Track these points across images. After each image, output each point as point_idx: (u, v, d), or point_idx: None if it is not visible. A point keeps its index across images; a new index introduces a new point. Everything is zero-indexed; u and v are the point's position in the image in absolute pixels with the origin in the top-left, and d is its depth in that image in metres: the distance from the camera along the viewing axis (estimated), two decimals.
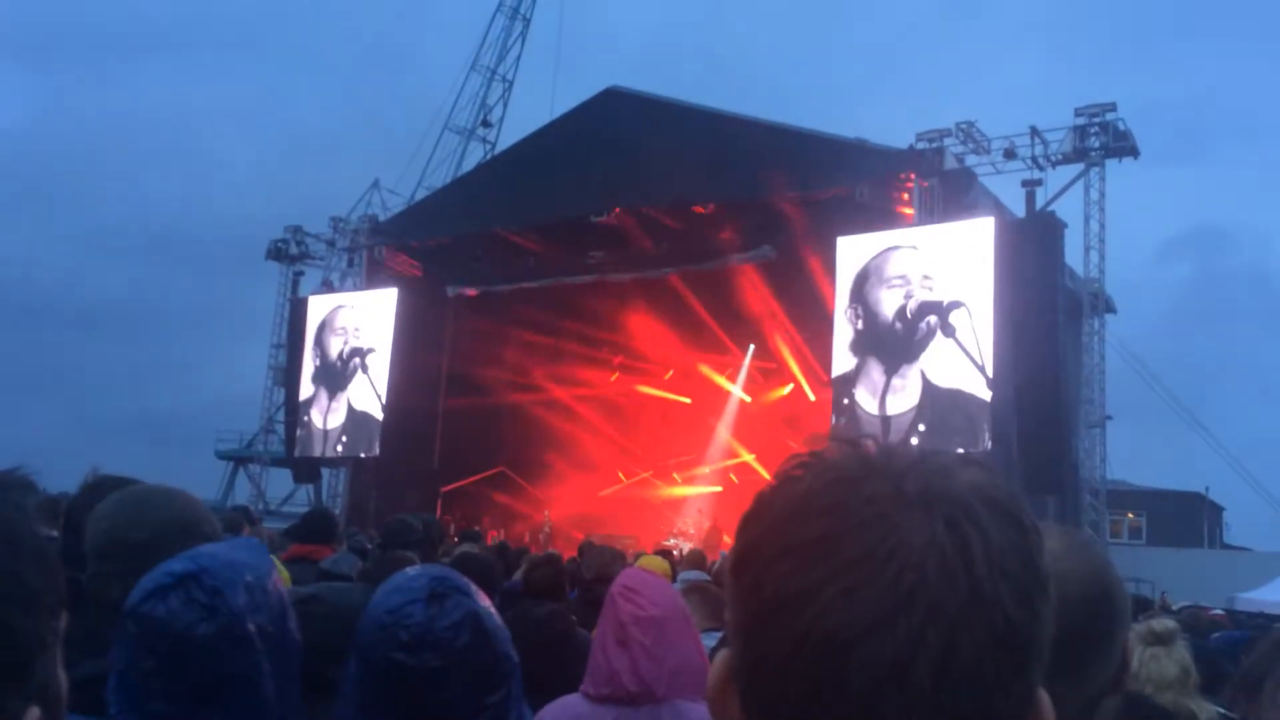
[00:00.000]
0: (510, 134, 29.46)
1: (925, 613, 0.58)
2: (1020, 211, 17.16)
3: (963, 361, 15.24)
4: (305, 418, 23.13)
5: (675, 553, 11.04)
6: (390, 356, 21.95)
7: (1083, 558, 1.26)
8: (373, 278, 23.61)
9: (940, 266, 15.85)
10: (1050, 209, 17.01)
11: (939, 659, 0.57)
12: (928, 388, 15.72)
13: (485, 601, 1.74)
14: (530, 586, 4.90)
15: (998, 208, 17.67)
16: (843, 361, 16.70)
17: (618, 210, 19.77)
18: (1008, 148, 17.44)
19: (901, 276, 16.20)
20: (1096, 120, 17.23)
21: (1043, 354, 15.21)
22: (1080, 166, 17.43)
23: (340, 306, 23.28)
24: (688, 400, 24.22)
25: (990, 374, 15.00)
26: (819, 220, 17.60)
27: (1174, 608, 11.63)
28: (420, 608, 1.65)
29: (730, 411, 23.11)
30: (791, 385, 21.81)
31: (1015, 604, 0.60)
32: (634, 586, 2.41)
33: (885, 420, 15.91)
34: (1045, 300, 15.37)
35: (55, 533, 2.32)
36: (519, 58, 32.36)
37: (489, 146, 31.02)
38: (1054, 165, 17.42)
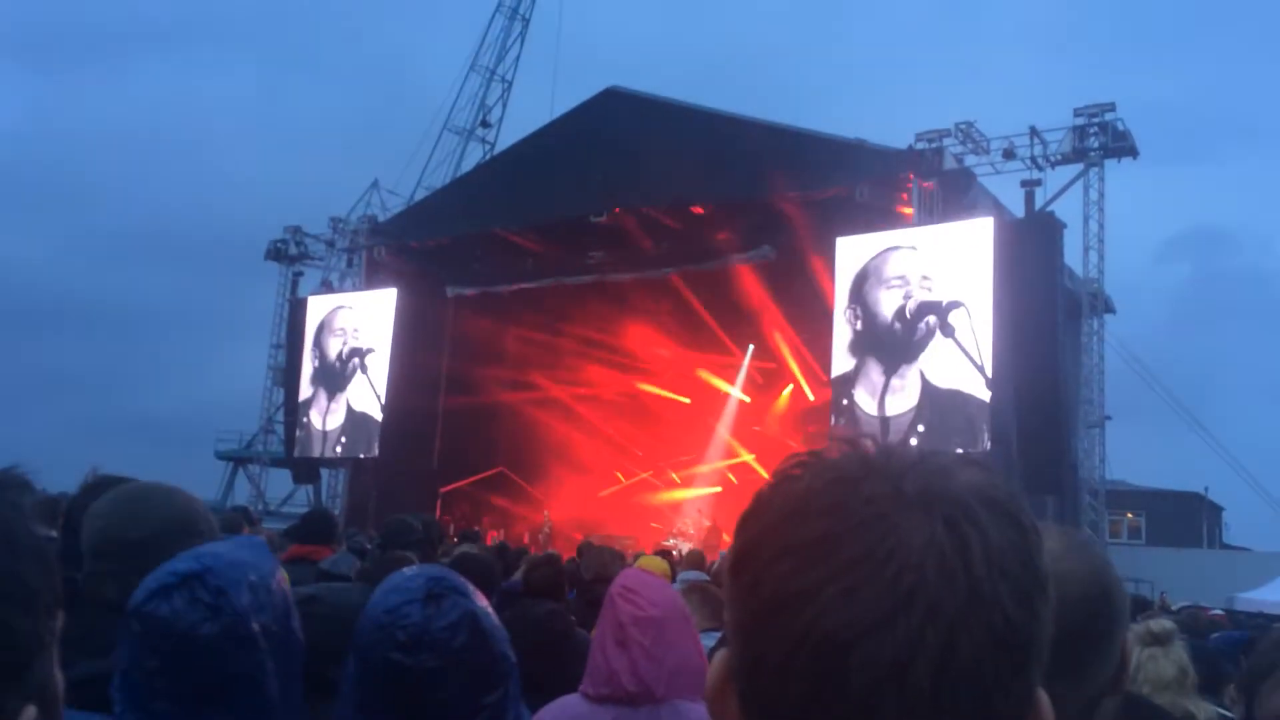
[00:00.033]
0: (509, 134, 29.48)
1: (924, 613, 0.58)
2: (1019, 212, 17.17)
3: (962, 362, 15.24)
4: (304, 418, 23.13)
5: (674, 553, 11.05)
6: (389, 357, 21.95)
7: (1082, 558, 1.26)
8: (372, 278, 23.60)
9: (939, 267, 15.86)
10: (1049, 209, 17.03)
11: (938, 659, 0.57)
12: (927, 388, 15.72)
13: (483, 601, 1.73)
14: (530, 586, 4.90)
15: (997, 208, 17.68)
16: (842, 362, 16.70)
17: (617, 210, 19.78)
18: (1007, 148, 17.45)
19: (900, 277, 16.20)
20: (1095, 120, 17.24)
21: (1042, 354, 15.21)
22: (1079, 166, 17.44)
23: (339, 307, 23.28)
24: (687, 400, 24.23)
25: (989, 374, 15.00)
26: (818, 220, 17.60)
27: (1173, 608, 11.63)
28: (417, 608, 1.65)
29: (729, 412, 23.12)
30: (791, 386, 21.82)
31: (1014, 604, 0.60)
32: (633, 587, 2.41)
33: (884, 421, 15.91)
34: (1044, 300, 15.37)
35: (55, 533, 2.32)
36: (518, 58, 32.39)
37: (488, 147, 31.01)
38: (1053, 165, 17.43)
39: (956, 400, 15.42)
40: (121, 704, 1.46)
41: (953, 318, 15.44)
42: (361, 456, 22.24)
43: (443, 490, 22.51)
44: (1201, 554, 28.97)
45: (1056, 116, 17.98)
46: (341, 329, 22.92)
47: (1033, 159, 17.31)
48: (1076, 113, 17.35)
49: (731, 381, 23.04)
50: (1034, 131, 17.27)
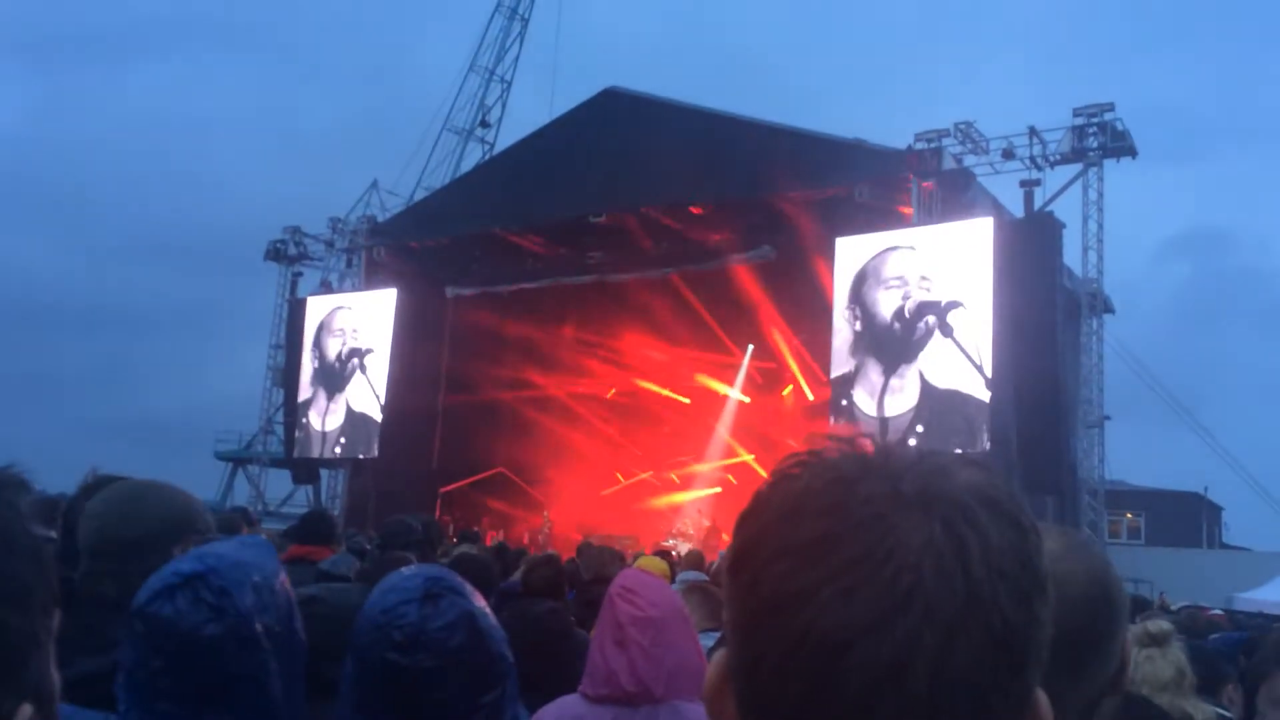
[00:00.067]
0: (509, 134, 29.47)
1: (922, 614, 0.57)
2: (1019, 211, 17.18)
3: (961, 362, 15.24)
4: (304, 419, 23.13)
5: (673, 553, 11.06)
6: (389, 357, 21.95)
7: (1082, 558, 1.26)
8: (371, 278, 23.60)
9: (938, 267, 15.86)
10: (1049, 209, 17.03)
11: (936, 660, 0.57)
12: (926, 388, 15.73)
13: (480, 601, 1.73)
14: (529, 587, 4.90)
15: (996, 208, 17.68)
16: (841, 362, 16.71)
17: (617, 211, 19.78)
18: (1006, 148, 17.45)
19: (899, 277, 16.21)
20: (1095, 120, 17.24)
21: (1041, 354, 15.21)
22: (1078, 166, 17.44)
23: (339, 307, 23.27)
24: (687, 400, 24.23)
25: (989, 374, 15.00)
26: (818, 220, 17.62)
27: (1172, 608, 11.64)
28: (414, 608, 1.65)
29: (729, 412, 23.11)
30: (791, 387, 21.82)
31: (1013, 605, 0.60)
32: (632, 587, 2.41)
33: (883, 421, 15.91)
34: (1043, 300, 15.37)
35: (54, 533, 2.31)
36: (517, 58, 32.37)
37: (488, 147, 31.00)
38: (1052, 165, 17.44)
39: (955, 400, 15.42)
40: (126, 703, 1.47)
41: (952, 318, 15.44)
42: (361, 457, 22.24)
43: (442, 491, 22.50)
44: (1201, 554, 28.98)
45: (1055, 116, 18.02)
46: (341, 329, 22.92)
47: (1032, 159, 17.31)
48: (1075, 113, 17.35)
49: (731, 381, 23.04)
50: (1033, 131, 17.27)
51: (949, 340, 15.38)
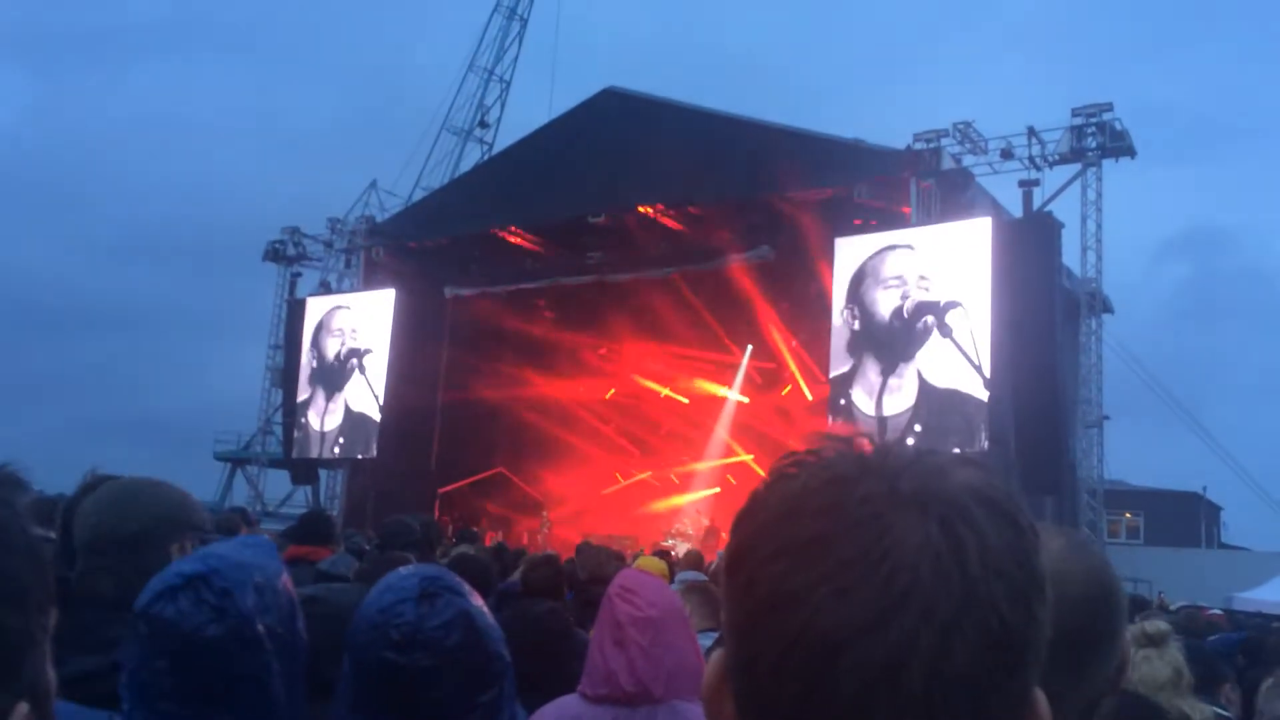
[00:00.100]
0: (508, 135, 29.47)
1: (919, 614, 0.57)
2: (1017, 211, 17.19)
3: (960, 361, 15.25)
4: (303, 419, 23.12)
5: (672, 553, 11.06)
6: (388, 357, 21.95)
7: (1083, 558, 1.26)
8: (370, 279, 23.59)
9: (937, 266, 15.87)
10: (1047, 209, 17.04)
11: (933, 660, 0.57)
12: (924, 388, 15.73)
13: (478, 601, 1.73)
14: (529, 586, 4.90)
15: (995, 208, 17.70)
16: (839, 361, 16.71)
17: (616, 211, 19.78)
18: (1005, 148, 17.45)
19: (898, 277, 16.21)
20: (1093, 120, 17.24)
21: (1040, 354, 15.22)
22: (1077, 166, 17.44)
23: (338, 307, 23.26)
24: (685, 400, 24.24)
25: (987, 374, 15.00)
26: (817, 220, 17.63)
27: (1171, 608, 11.64)
28: (411, 607, 1.65)
29: (728, 412, 23.12)
30: (790, 387, 21.83)
31: (1010, 605, 0.59)
32: (631, 587, 2.41)
33: (882, 420, 15.91)
34: (1042, 300, 15.37)
35: (53, 533, 2.31)
36: (516, 58, 32.38)
37: (486, 147, 31.01)
38: (1051, 165, 17.44)
39: (954, 400, 15.42)
40: (130, 702, 1.47)
41: (950, 317, 15.44)
42: (360, 457, 22.22)
43: (441, 491, 22.49)
44: (1200, 554, 29.02)
45: (1054, 116, 18.02)
46: (340, 329, 22.91)
47: (1030, 159, 17.32)
48: (1074, 113, 17.36)
49: (730, 381, 23.04)
50: (1032, 131, 17.28)
51: (948, 340, 15.39)
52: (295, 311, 23.96)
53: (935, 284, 15.81)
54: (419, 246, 23.04)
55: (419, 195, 26.98)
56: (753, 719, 0.63)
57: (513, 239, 21.49)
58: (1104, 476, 18.18)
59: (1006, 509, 0.63)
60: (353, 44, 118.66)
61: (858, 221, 17.25)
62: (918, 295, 15.94)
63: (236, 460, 28.79)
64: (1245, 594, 16.85)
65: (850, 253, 16.80)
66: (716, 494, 22.29)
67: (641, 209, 19.63)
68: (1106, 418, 17.83)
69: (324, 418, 22.72)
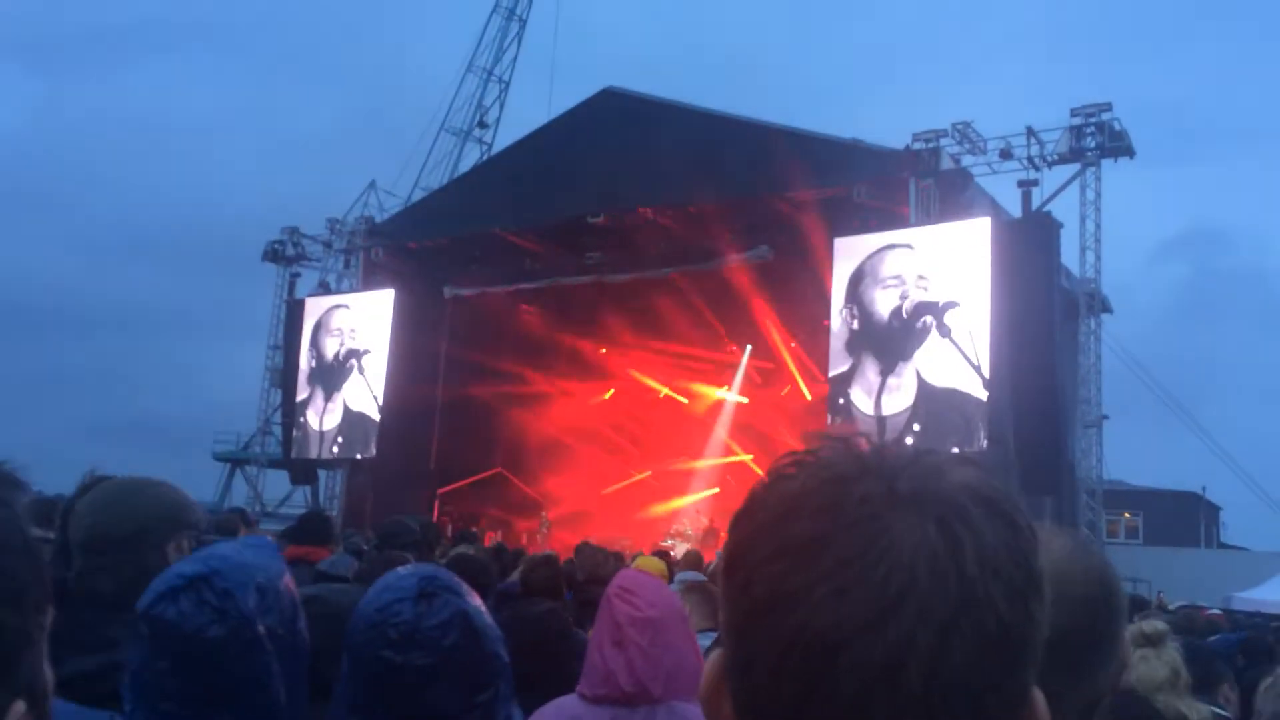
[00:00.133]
0: (507, 135, 29.47)
1: (916, 614, 0.57)
2: (1016, 211, 17.19)
3: (958, 361, 15.26)
4: (301, 418, 23.10)
5: (671, 553, 11.06)
6: (387, 357, 21.94)
7: (1085, 558, 1.26)
8: (369, 279, 23.58)
9: (936, 266, 15.87)
10: (1046, 209, 17.03)
11: (930, 660, 0.57)
12: (923, 387, 15.73)
13: (476, 601, 1.73)
14: (528, 587, 4.90)
15: (994, 208, 17.70)
16: (838, 360, 16.72)
17: (615, 211, 19.78)
18: (1004, 148, 17.45)
19: (897, 276, 16.21)
20: (1092, 120, 17.24)
21: (1039, 354, 15.22)
22: (1076, 166, 17.44)
23: (336, 307, 23.25)
24: (685, 400, 24.24)
25: (986, 374, 15.01)
26: (816, 220, 17.62)
27: (1171, 607, 11.66)
28: (409, 606, 1.65)
29: (727, 412, 23.12)
30: (789, 387, 21.84)
31: (1008, 605, 0.59)
32: (630, 587, 2.41)
33: (881, 420, 15.91)
34: (1041, 300, 15.37)
35: (52, 534, 2.31)
36: (515, 58, 32.37)
37: (485, 147, 31.01)
38: (1050, 165, 17.43)
39: (953, 399, 15.43)
40: (132, 703, 1.47)
41: (949, 317, 15.45)
42: (359, 457, 22.21)
43: (440, 491, 22.49)
44: (1199, 553, 29.02)
45: (1053, 116, 18.01)
46: (338, 329, 22.90)
47: (1029, 159, 17.31)
48: (1073, 113, 17.35)
49: (729, 381, 23.05)
50: (1031, 132, 17.27)
51: (946, 340, 15.40)
52: (294, 312, 23.95)
53: (934, 284, 15.81)
54: (418, 247, 23.03)
55: (418, 195, 26.98)
56: (751, 719, 0.63)
57: (512, 239, 21.48)
58: (1103, 476, 18.17)
59: (1004, 509, 0.63)
60: (352, 44, 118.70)
61: (857, 222, 17.24)
62: (916, 295, 15.94)
63: (235, 461, 28.77)
64: (1244, 594, 16.86)
65: (849, 252, 16.80)
66: (716, 494, 22.30)
67: (640, 209, 19.63)
68: (1105, 417, 17.83)
69: (322, 417, 22.71)
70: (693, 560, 7.59)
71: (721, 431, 23.04)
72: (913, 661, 0.57)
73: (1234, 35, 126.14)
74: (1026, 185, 16.95)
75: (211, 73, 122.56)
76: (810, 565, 0.60)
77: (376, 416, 21.79)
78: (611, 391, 24.77)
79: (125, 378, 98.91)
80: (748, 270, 19.42)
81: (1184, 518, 32.95)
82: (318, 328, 23.12)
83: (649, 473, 24.09)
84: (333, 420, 22.56)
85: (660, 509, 23.18)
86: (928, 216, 16.73)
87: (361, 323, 22.52)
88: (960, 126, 17.46)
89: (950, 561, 0.59)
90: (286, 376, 23.80)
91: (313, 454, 23.00)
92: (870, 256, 16.52)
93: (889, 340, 16.14)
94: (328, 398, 22.68)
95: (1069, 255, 17.27)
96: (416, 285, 22.78)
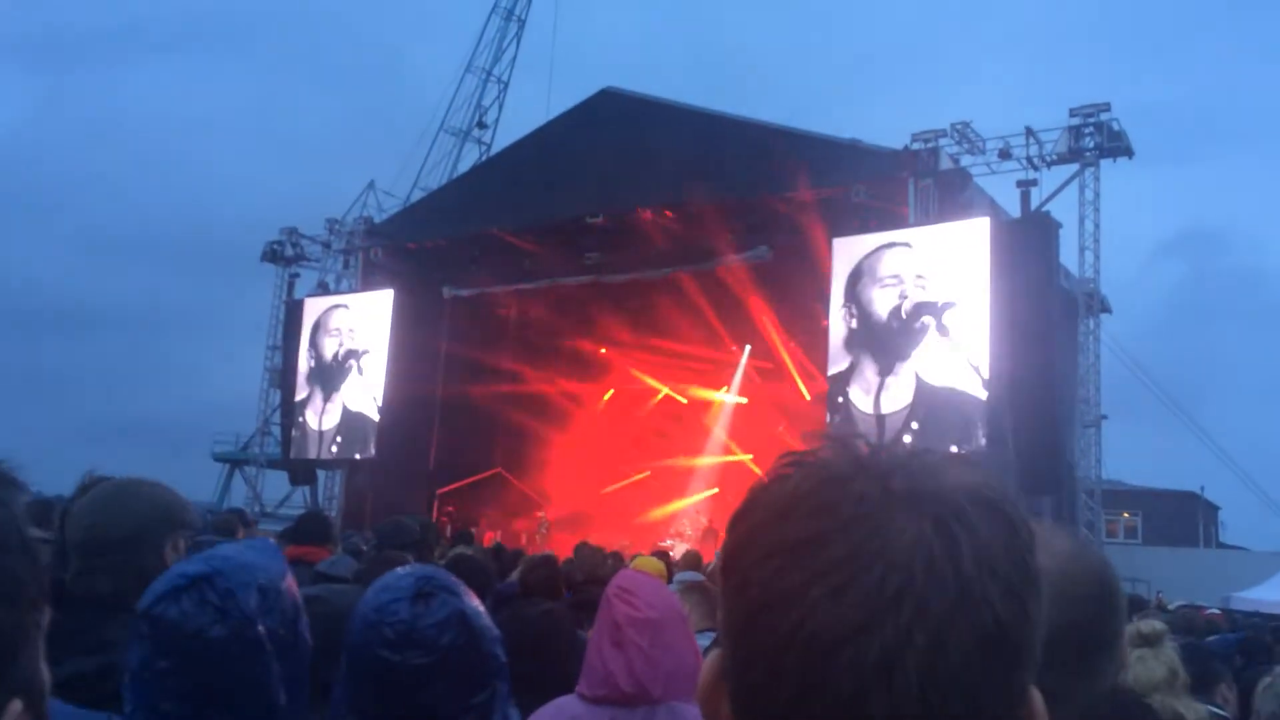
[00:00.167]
0: (506, 135, 29.49)
1: (912, 613, 0.57)
2: (1015, 211, 17.19)
3: (957, 360, 15.26)
4: (300, 418, 23.09)
5: (671, 554, 11.06)
6: (386, 358, 21.93)
7: (1086, 559, 1.26)
8: (368, 279, 23.58)
9: (935, 266, 15.88)
10: (1045, 209, 17.03)
11: (927, 660, 0.57)
12: (921, 386, 15.73)
13: (474, 601, 1.73)
14: (527, 587, 4.90)
15: (993, 208, 17.70)
16: (838, 360, 16.72)
17: (614, 211, 19.78)
18: (1003, 148, 17.44)
19: (895, 276, 16.21)
20: (1091, 120, 17.24)
21: (1038, 353, 15.21)
22: (1075, 167, 17.44)
23: (335, 308, 23.24)
24: (684, 400, 24.23)
25: (985, 374, 15.02)
26: (815, 220, 17.62)
27: (1170, 607, 11.66)
28: (406, 605, 1.65)
29: (727, 411, 23.11)
30: (788, 387, 21.83)
31: (1005, 604, 0.59)
32: (629, 588, 2.41)
33: (879, 419, 15.91)
34: (1040, 300, 15.37)
35: (51, 535, 2.31)
36: (514, 59, 32.38)
37: (484, 148, 31.01)
38: (1049, 165, 17.43)
39: (952, 399, 15.43)
40: (132, 703, 1.48)
41: (948, 317, 15.46)
42: (358, 457, 22.20)
43: (439, 491, 22.47)
44: (1198, 553, 29.03)
45: (1052, 117, 18.00)
46: (337, 329, 22.89)
47: (1028, 159, 17.31)
48: (1072, 113, 17.35)
49: (728, 381, 23.04)
50: (1030, 132, 17.27)
51: (945, 339, 15.40)
52: (293, 312, 23.94)
53: (933, 283, 15.82)
54: (417, 247, 23.03)
55: (417, 196, 26.98)
56: (749, 719, 0.63)
57: (511, 239, 21.48)
58: (1102, 476, 18.17)
59: (1001, 508, 0.63)
60: (352, 45, 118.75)
61: (856, 222, 17.24)
62: (915, 294, 15.95)
63: (235, 461, 28.77)
64: (1243, 593, 16.87)
65: (848, 252, 16.80)
66: (715, 494, 22.29)
67: (639, 209, 19.63)
68: (1104, 417, 17.83)
69: (321, 417, 22.69)
70: (692, 560, 7.59)
71: (721, 431, 23.03)
72: (910, 661, 0.57)
73: (1233, 35, 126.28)
74: (1025, 185, 16.95)
75: (211, 73, 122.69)
76: (807, 565, 0.60)
77: (375, 417, 21.78)
78: (611, 392, 24.76)
79: (124, 378, 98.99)
80: (747, 270, 19.42)
81: (1183, 517, 32.96)
82: (317, 328, 23.11)
83: (648, 473, 24.08)
84: (332, 420, 22.54)
85: (659, 512, 23.16)
86: (927, 216, 16.74)
87: (360, 323, 22.51)
88: (959, 126, 17.46)
89: (947, 561, 0.59)
90: (285, 377, 23.79)
91: (312, 454, 22.99)
92: (869, 256, 16.52)
93: (887, 340, 16.14)
94: (327, 398, 22.67)
95: (1068, 255, 17.29)
96: (415, 285, 22.78)
